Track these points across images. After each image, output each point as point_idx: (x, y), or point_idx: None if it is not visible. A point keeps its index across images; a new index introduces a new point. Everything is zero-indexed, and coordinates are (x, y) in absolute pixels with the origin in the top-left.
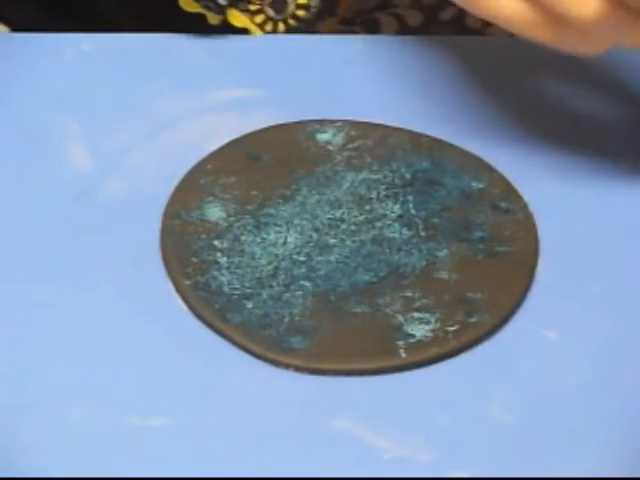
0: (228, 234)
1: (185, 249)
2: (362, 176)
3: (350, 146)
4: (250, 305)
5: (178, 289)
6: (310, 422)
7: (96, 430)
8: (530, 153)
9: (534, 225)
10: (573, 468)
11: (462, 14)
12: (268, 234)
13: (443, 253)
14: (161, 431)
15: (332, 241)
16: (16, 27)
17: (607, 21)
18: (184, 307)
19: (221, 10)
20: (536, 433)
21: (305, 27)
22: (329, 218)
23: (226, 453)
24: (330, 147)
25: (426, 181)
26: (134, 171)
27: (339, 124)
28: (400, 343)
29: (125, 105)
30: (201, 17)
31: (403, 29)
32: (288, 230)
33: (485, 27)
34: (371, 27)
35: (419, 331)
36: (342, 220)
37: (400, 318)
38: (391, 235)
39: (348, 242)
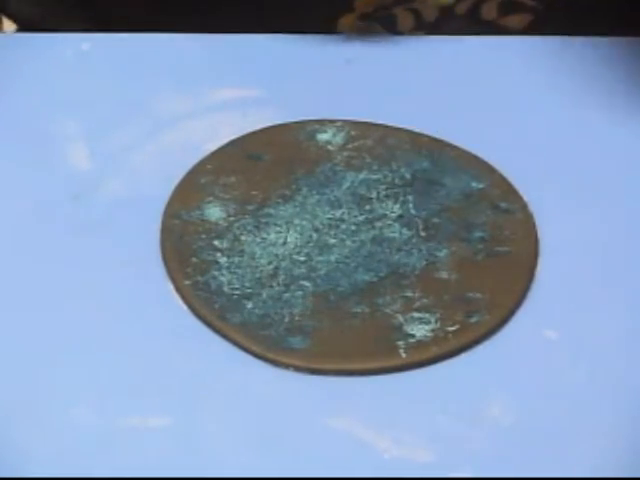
0: (228, 234)
1: (185, 249)
2: (362, 176)
3: (350, 146)
4: (250, 305)
5: (178, 289)
6: (310, 422)
7: (96, 430)
8: (530, 153)
9: (534, 225)
10: (573, 468)
11: (477, 6)
12: (268, 234)
13: (443, 253)
14: (161, 431)
15: (332, 241)
16: (25, 24)
17: None
18: (184, 307)
19: None
20: (536, 433)
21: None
22: (329, 218)
23: (226, 453)
24: (330, 147)
25: (426, 181)
26: (134, 171)
27: (339, 124)
28: (400, 343)
29: (125, 105)
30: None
31: (419, 24)
32: (288, 230)
33: (500, 18)
34: (389, 23)
35: (419, 331)
36: (342, 220)
37: (400, 318)
38: (391, 235)
39: (348, 242)
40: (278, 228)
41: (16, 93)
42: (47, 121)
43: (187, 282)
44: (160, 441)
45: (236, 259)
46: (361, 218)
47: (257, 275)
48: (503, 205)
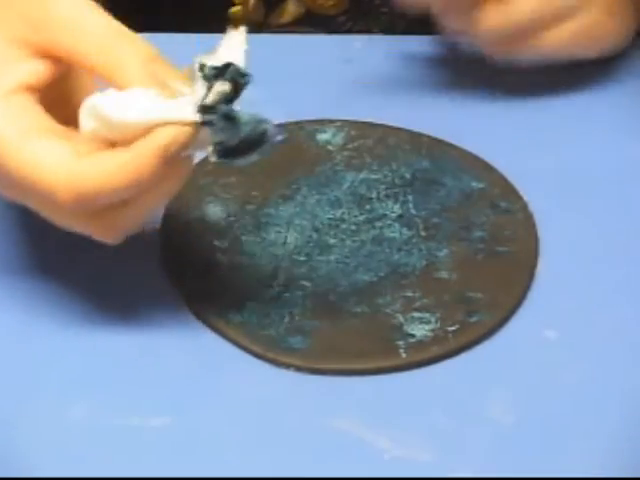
0: (228, 234)
1: (185, 249)
2: (362, 176)
3: (350, 146)
4: (250, 305)
5: (178, 289)
6: (310, 422)
7: (96, 430)
8: (530, 153)
9: (534, 225)
10: (573, 468)
11: None
12: (268, 234)
13: (443, 253)
14: (161, 431)
15: (332, 241)
16: None
17: None
18: (184, 307)
19: None
20: (536, 433)
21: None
22: (329, 218)
23: (226, 453)
24: (330, 147)
25: (426, 181)
26: None
27: (339, 124)
28: (400, 343)
29: None
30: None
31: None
32: (288, 230)
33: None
34: None
35: (419, 331)
36: (342, 220)
37: (400, 318)
38: (391, 235)
39: (348, 242)
40: (278, 228)
41: None
42: None
43: (187, 282)
44: (160, 441)
45: (236, 259)
46: (361, 218)
47: (257, 275)
48: (503, 205)
